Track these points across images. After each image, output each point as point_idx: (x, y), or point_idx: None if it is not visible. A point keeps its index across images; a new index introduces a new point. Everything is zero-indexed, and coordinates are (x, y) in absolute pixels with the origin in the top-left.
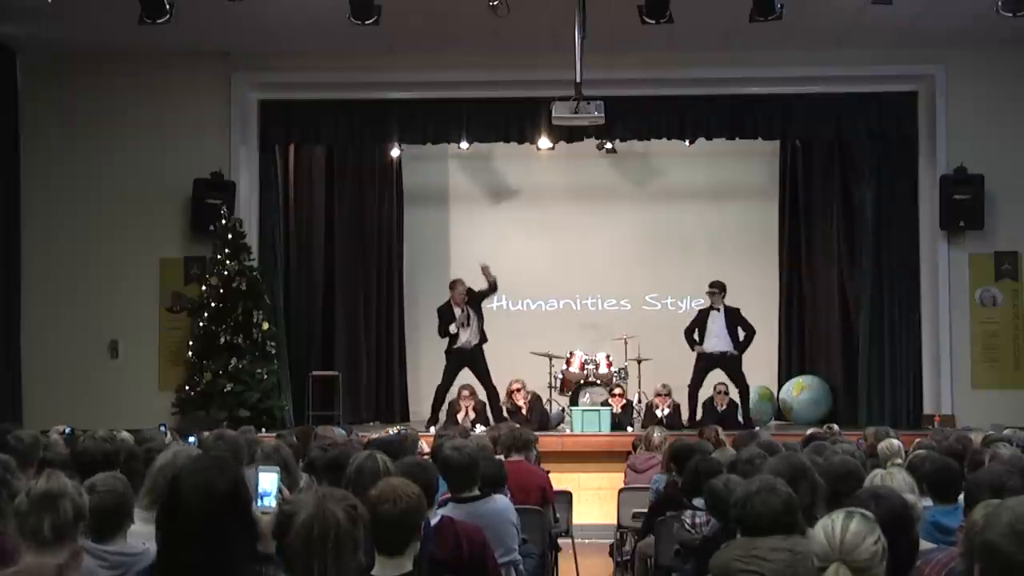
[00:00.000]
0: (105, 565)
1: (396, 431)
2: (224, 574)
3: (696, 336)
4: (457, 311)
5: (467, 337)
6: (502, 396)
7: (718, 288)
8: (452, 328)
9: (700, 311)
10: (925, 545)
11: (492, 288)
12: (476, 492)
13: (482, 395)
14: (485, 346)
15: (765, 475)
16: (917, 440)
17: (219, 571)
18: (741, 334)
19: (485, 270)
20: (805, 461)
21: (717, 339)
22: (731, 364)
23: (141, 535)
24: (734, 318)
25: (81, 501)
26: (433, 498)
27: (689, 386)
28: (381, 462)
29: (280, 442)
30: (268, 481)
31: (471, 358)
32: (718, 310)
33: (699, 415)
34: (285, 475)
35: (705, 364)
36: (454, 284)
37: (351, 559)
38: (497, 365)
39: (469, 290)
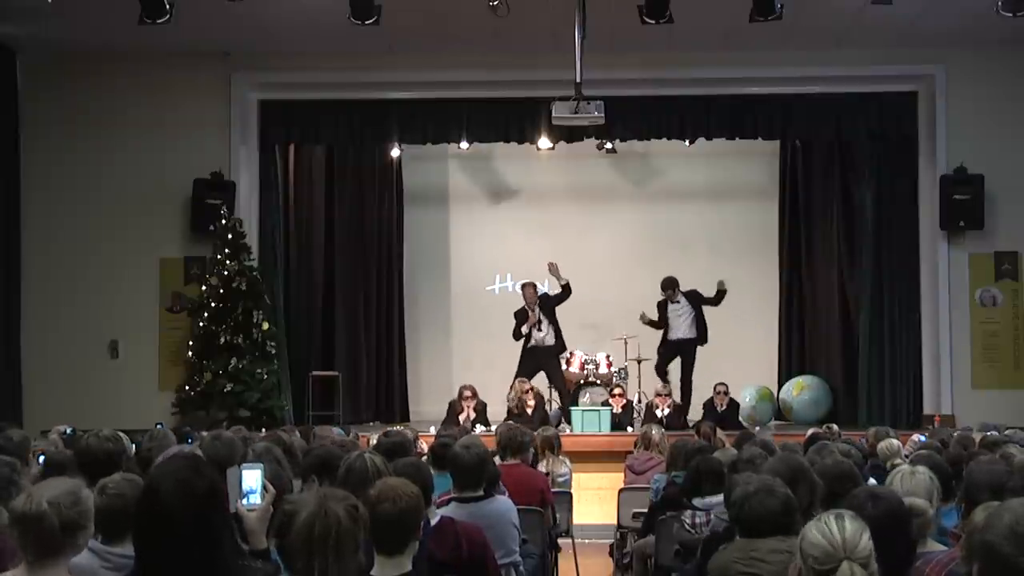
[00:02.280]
0: (109, 566)
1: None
2: (207, 573)
3: (661, 322)
4: (530, 313)
5: (540, 336)
6: (510, 394)
7: (670, 287)
8: (524, 328)
9: (659, 303)
10: (935, 546)
11: (565, 291)
12: (480, 492)
13: (483, 396)
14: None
15: (764, 476)
16: (913, 437)
17: (202, 570)
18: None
19: (553, 269)
20: (803, 461)
21: (679, 328)
22: (688, 354)
23: None
24: (695, 299)
25: (73, 511)
26: (428, 499)
27: (656, 367)
28: (370, 462)
29: (271, 444)
30: (252, 478)
31: (544, 359)
32: (677, 302)
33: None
34: (283, 472)
35: (669, 351)
36: (524, 287)
37: (351, 559)
38: (498, 365)
39: (544, 295)
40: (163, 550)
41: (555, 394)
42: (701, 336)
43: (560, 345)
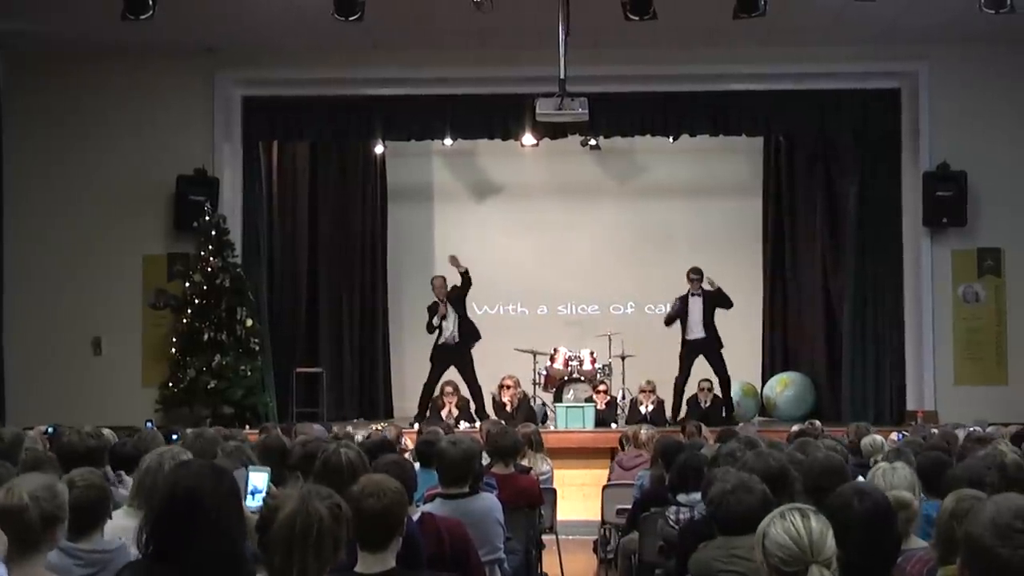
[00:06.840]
0: (80, 564)
1: (380, 428)
2: (210, 571)
3: (679, 323)
4: (440, 305)
5: (448, 334)
6: (493, 390)
7: (698, 275)
8: (434, 321)
9: (680, 298)
10: (918, 542)
11: (465, 280)
12: (465, 489)
13: (466, 392)
14: (474, 344)
15: (741, 472)
16: (892, 436)
17: (205, 567)
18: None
19: (453, 260)
20: (782, 459)
21: (697, 325)
22: (712, 352)
23: (125, 529)
24: (712, 300)
25: (52, 504)
26: (411, 496)
27: (676, 379)
28: (345, 456)
29: (242, 444)
30: (259, 480)
31: (454, 355)
32: (697, 295)
33: (683, 411)
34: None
35: (689, 352)
36: (434, 279)
37: (331, 558)
38: (482, 362)
39: (453, 287)
40: (174, 550)
41: (538, 390)
42: (716, 337)
43: (466, 340)
